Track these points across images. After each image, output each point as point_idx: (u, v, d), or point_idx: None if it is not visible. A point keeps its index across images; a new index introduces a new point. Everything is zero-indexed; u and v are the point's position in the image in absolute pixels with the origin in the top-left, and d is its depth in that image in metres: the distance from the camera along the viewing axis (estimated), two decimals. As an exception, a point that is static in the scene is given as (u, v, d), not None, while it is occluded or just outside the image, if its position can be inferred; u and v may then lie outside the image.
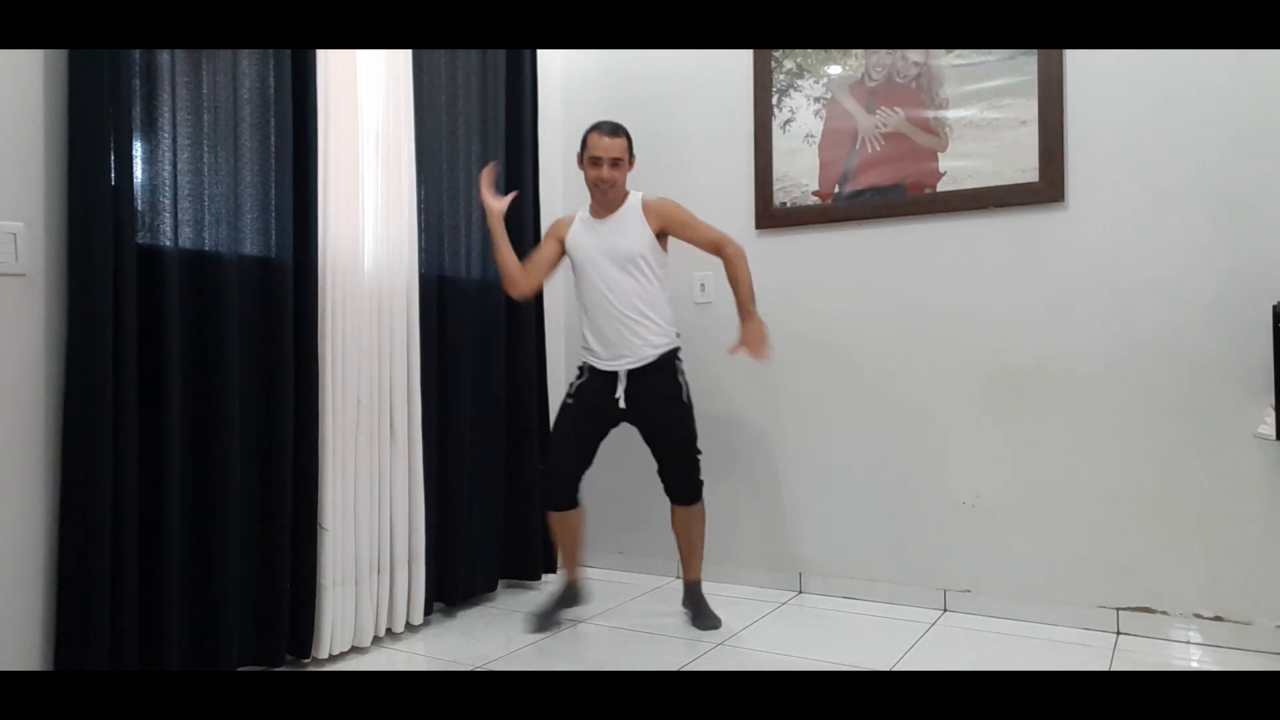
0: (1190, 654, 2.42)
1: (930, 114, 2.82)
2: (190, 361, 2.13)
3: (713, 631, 2.65)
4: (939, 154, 2.81)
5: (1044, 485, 2.68)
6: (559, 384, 3.08)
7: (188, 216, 2.13)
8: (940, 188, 2.81)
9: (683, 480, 2.71)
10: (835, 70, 2.98)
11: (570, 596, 2.81)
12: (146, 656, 2.01)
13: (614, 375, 2.64)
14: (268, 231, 2.30)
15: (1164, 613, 2.52)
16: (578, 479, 2.73)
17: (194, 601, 2.14)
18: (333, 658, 2.44)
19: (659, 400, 2.64)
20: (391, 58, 2.64)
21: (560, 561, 2.82)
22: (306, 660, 2.40)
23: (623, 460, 3.07)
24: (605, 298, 2.63)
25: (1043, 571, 2.68)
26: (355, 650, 2.52)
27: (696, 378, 3.12)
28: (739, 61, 3.14)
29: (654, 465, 2.74)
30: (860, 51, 2.94)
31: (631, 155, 2.68)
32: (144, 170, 2.03)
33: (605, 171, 2.60)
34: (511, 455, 3.07)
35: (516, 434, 3.09)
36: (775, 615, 2.83)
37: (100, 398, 1.88)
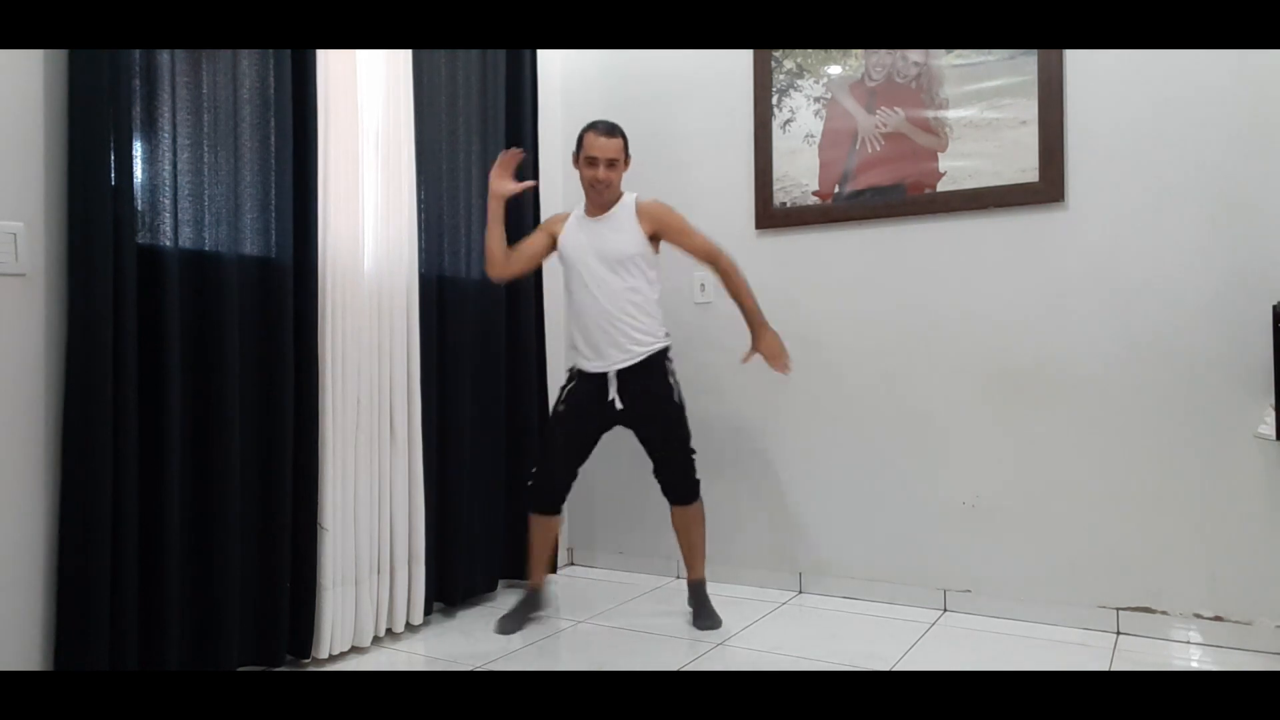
0: (1190, 654, 2.42)
1: (930, 114, 2.82)
2: (190, 361, 2.13)
3: (713, 631, 2.65)
4: (939, 154, 2.81)
5: (1044, 485, 2.68)
6: (559, 384, 3.06)
7: (188, 216, 2.13)
8: (940, 188, 2.81)
9: (679, 480, 2.71)
10: (835, 70, 2.98)
11: (534, 601, 2.81)
12: (146, 656, 2.01)
13: (603, 377, 2.63)
14: (268, 231, 2.30)
15: (1164, 613, 2.52)
16: (567, 485, 2.76)
17: (194, 601, 2.14)
18: (333, 658, 2.44)
19: (651, 401, 2.64)
20: (391, 58, 2.64)
21: (529, 565, 2.83)
22: (306, 660, 2.40)
23: (622, 460, 3.07)
24: (593, 297, 2.62)
25: (1043, 571, 2.68)
26: (355, 650, 2.52)
27: (697, 378, 3.13)
28: (739, 61, 3.14)
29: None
30: (860, 51, 2.94)
31: (627, 155, 2.67)
32: (144, 170, 2.03)
33: (601, 172, 2.60)
34: (511, 455, 3.07)
35: (516, 434, 3.09)
36: (775, 615, 2.83)
37: (100, 398, 1.88)
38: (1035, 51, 2.65)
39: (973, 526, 2.78)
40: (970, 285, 2.78)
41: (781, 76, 3.07)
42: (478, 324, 2.96)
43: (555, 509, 2.77)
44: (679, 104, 3.27)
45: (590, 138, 2.61)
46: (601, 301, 2.61)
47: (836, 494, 3.00)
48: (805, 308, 3.04)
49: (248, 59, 2.24)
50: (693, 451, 2.72)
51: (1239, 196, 2.42)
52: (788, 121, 3.06)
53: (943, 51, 2.80)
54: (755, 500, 3.14)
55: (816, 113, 3.01)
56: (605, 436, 2.75)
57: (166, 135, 2.06)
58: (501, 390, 3.03)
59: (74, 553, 1.86)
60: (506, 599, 2.85)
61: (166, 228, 2.06)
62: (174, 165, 2.08)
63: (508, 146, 3.05)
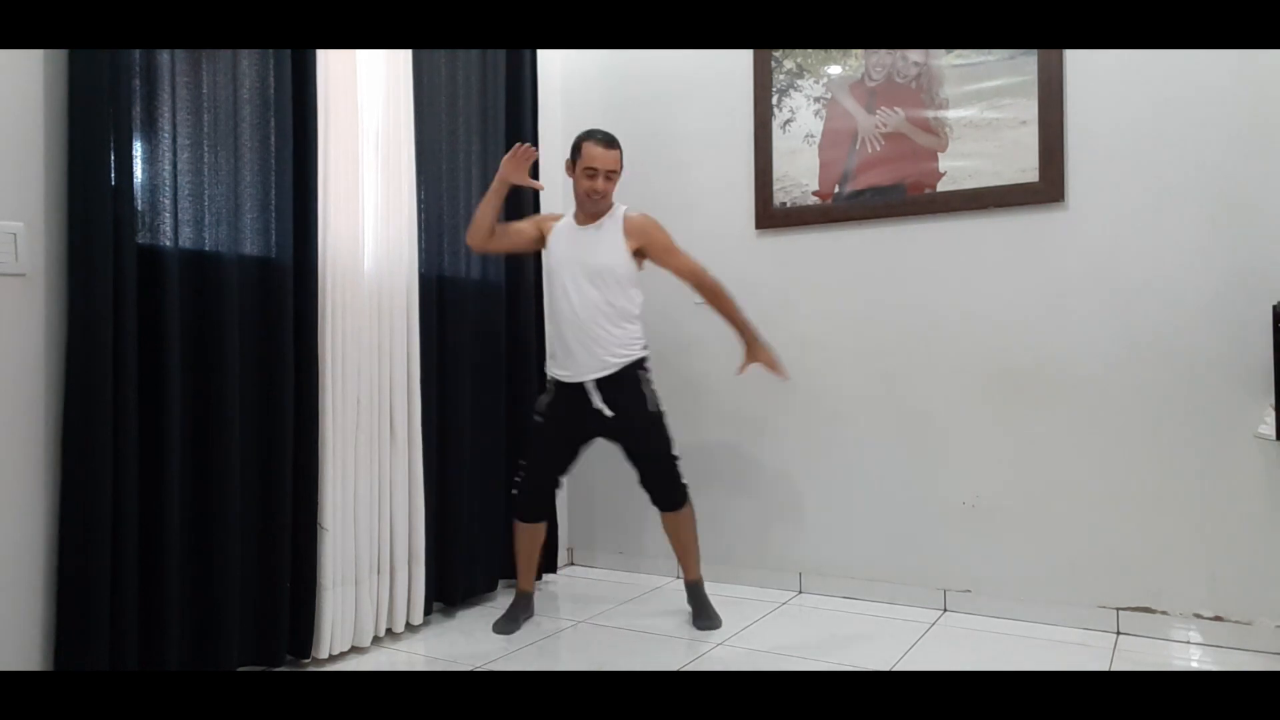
0: (1190, 654, 2.42)
1: (930, 114, 2.82)
2: (190, 361, 2.13)
3: (712, 632, 2.65)
4: (939, 154, 2.81)
5: (1044, 485, 2.68)
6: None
7: (188, 216, 2.13)
8: (940, 188, 2.81)
9: (663, 488, 2.70)
10: (835, 70, 2.98)
11: (525, 605, 2.81)
12: (146, 656, 2.01)
13: (579, 388, 2.63)
14: (268, 231, 2.30)
15: (1164, 613, 2.52)
16: (551, 494, 2.80)
17: (194, 601, 2.14)
18: (333, 658, 2.44)
19: (625, 411, 2.64)
20: (391, 58, 2.64)
21: (518, 571, 2.84)
22: (306, 660, 2.40)
23: (622, 461, 3.06)
24: (572, 306, 2.62)
25: (1043, 571, 2.68)
26: (355, 650, 2.52)
27: (697, 379, 3.13)
28: (739, 61, 3.14)
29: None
30: (860, 51, 2.94)
31: (621, 166, 2.67)
32: (144, 170, 2.03)
33: (600, 183, 2.60)
34: (511, 455, 3.07)
35: (516, 434, 3.08)
36: (775, 615, 2.83)
37: (100, 398, 1.88)
38: (1035, 51, 2.65)
39: (973, 526, 2.78)
40: (970, 285, 2.78)
41: (781, 76, 3.07)
42: (478, 324, 2.95)
43: (540, 518, 2.79)
44: (679, 104, 3.27)
45: (590, 148, 2.60)
46: (579, 312, 2.61)
47: (836, 494, 3.00)
48: (805, 308, 3.04)
49: (248, 59, 2.24)
50: (676, 458, 2.70)
51: (1239, 196, 2.42)
52: (788, 121, 3.06)
53: (943, 51, 2.80)
54: (755, 500, 3.13)
55: (816, 113, 3.01)
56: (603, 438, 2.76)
57: (166, 135, 2.06)
58: (501, 390, 3.03)
59: (74, 553, 1.86)
60: (506, 599, 2.86)
61: (166, 228, 2.06)
62: (174, 165, 2.08)
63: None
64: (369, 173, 2.58)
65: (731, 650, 2.51)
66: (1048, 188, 2.64)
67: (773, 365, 2.72)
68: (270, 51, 2.28)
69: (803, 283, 3.05)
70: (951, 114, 2.79)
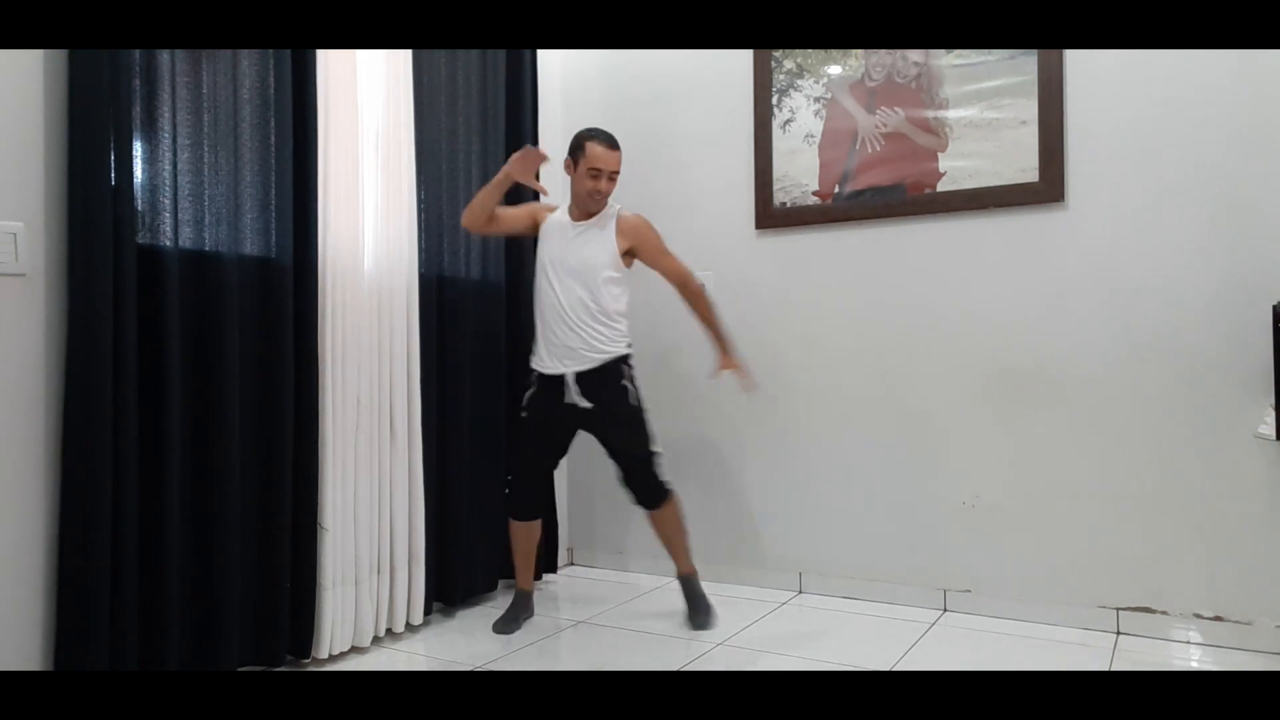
0: (1190, 654, 2.42)
1: (930, 114, 2.82)
2: (190, 361, 2.13)
3: (712, 631, 2.65)
4: (939, 154, 2.81)
5: (1044, 485, 2.68)
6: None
7: (188, 216, 2.13)
8: (940, 188, 2.81)
9: (643, 485, 2.70)
10: (835, 70, 2.98)
11: (525, 605, 2.81)
12: (146, 656, 2.01)
13: (560, 380, 2.64)
14: (268, 231, 2.30)
15: (1164, 613, 2.52)
16: (541, 490, 2.82)
17: (194, 601, 2.14)
18: (333, 658, 2.44)
19: (605, 406, 2.64)
20: (391, 58, 2.64)
21: (515, 571, 2.84)
22: (306, 660, 2.40)
23: (623, 460, 3.07)
24: (558, 301, 2.63)
25: (1043, 571, 2.68)
26: (355, 650, 2.52)
27: (697, 379, 3.12)
28: (739, 61, 3.14)
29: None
30: (860, 51, 2.94)
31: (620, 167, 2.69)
32: (144, 170, 2.03)
33: (603, 185, 2.63)
34: (511, 455, 3.07)
35: (516, 434, 3.08)
36: (775, 615, 2.83)
37: (100, 398, 1.88)
38: (1035, 51, 2.65)
39: (973, 526, 2.78)
40: (970, 285, 2.78)
41: (781, 76, 3.07)
42: (478, 324, 2.96)
43: (532, 515, 2.80)
44: (679, 104, 3.27)
45: (595, 149, 2.61)
46: (565, 307, 2.62)
47: (836, 494, 3.00)
48: (805, 308, 3.04)
49: (248, 59, 2.24)
50: (655, 454, 2.70)
51: (1239, 196, 2.42)
52: (788, 121, 3.06)
53: (943, 51, 2.80)
54: (755, 500, 3.13)
55: (816, 113, 3.01)
56: (572, 441, 2.77)
57: (166, 135, 2.06)
58: (501, 390, 3.03)
59: (74, 553, 1.86)
60: (506, 599, 2.86)
61: (166, 228, 2.06)
62: (174, 165, 2.08)
63: (508, 146, 3.06)
64: (369, 173, 2.58)
65: (731, 650, 2.51)
66: (1048, 188, 2.64)
67: (742, 374, 2.76)
68: (270, 51, 2.28)
69: (803, 283, 3.05)
70: (951, 114, 2.79)
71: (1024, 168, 2.68)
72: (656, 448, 2.70)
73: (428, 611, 2.75)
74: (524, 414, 2.76)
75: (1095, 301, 2.60)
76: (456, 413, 2.86)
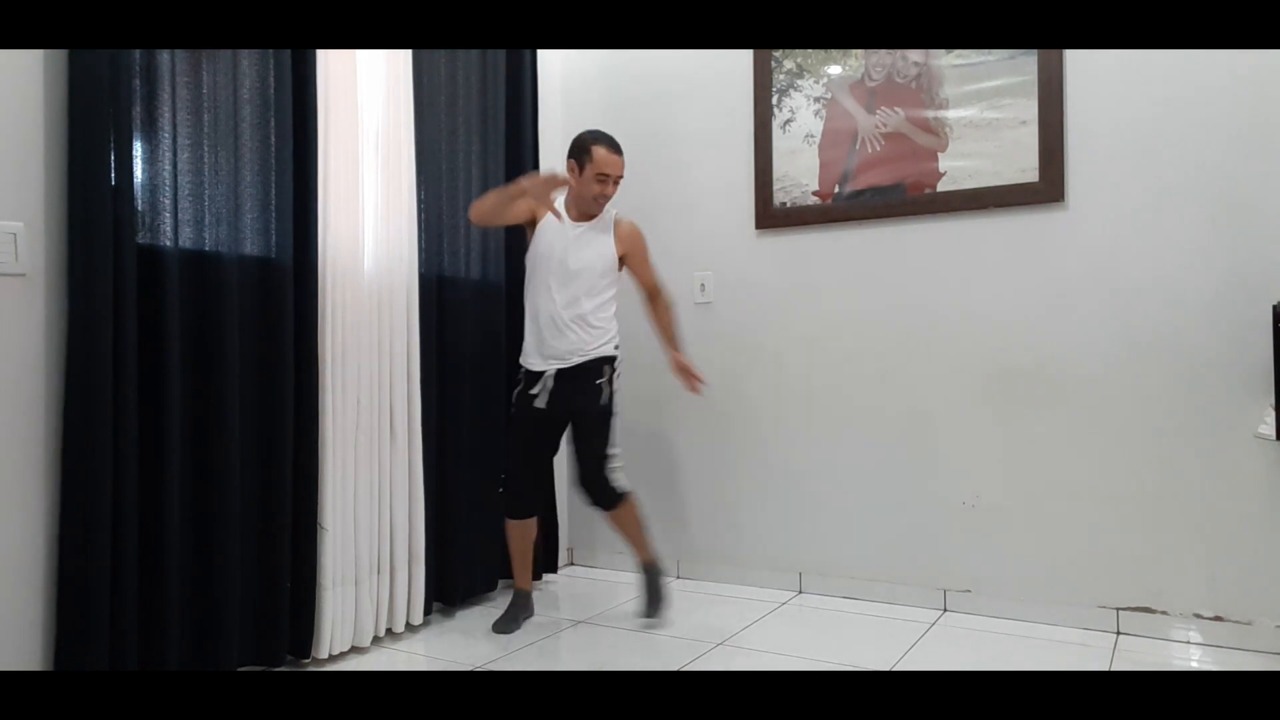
0: (1190, 654, 2.42)
1: (930, 114, 2.82)
2: (190, 361, 2.13)
3: (712, 631, 2.64)
4: (939, 154, 2.81)
5: (1044, 485, 2.68)
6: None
7: (188, 216, 2.13)
8: (940, 188, 2.81)
9: (595, 485, 2.68)
10: (835, 70, 2.98)
11: (524, 604, 2.81)
12: (146, 656, 2.01)
13: (542, 375, 2.66)
14: (268, 231, 2.30)
15: (1164, 613, 2.52)
16: (533, 488, 2.82)
17: (194, 601, 2.14)
18: (333, 658, 2.44)
19: (575, 400, 2.65)
20: (391, 58, 2.64)
21: (513, 570, 2.84)
22: (306, 660, 2.40)
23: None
24: (551, 299, 2.64)
25: (1043, 571, 2.68)
26: (355, 650, 2.52)
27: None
28: (739, 61, 3.14)
29: (654, 464, 2.74)
30: (860, 51, 2.94)
31: None
32: (144, 170, 2.03)
33: (610, 189, 2.65)
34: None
35: (509, 431, 3.08)
36: (775, 615, 2.83)
37: (100, 398, 1.88)
38: (1035, 51, 2.65)
39: (972, 526, 2.78)
40: (970, 285, 2.78)
41: (781, 76, 3.07)
42: (478, 324, 2.96)
43: (527, 513, 2.79)
44: (679, 104, 3.27)
45: (603, 154, 2.62)
46: (557, 306, 2.64)
47: (836, 494, 3.00)
48: (805, 307, 3.04)
49: (248, 59, 2.24)
50: (609, 456, 2.67)
51: (1239, 196, 2.42)
52: (788, 121, 3.06)
53: (943, 51, 2.80)
54: (756, 500, 3.13)
55: (816, 113, 3.01)
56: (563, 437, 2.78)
57: (166, 135, 2.06)
58: (501, 390, 3.03)
59: (74, 553, 1.86)
60: (506, 598, 2.85)
61: (166, 228, 2.06)
62: (174, 165, 2.08)
63: (508, 146, 3.06)
64: (369, 173, 2.58)
65: (731, 650, 2.51)
66: (1048, 188, 2.64)
67: (690, 375, 2.78)
68: (270, 51, 2.28)
69: (803, 283, 3.05)
70: (951, 114, 2.79)
71: (1024, 168, 2.68)
72: (614, 450, 2.69)
73: (428, 611, 2.75)
74: (512, 410, 2.77)
75: (1095, 301, 2.60)
76: (456, 412, 2.86)
